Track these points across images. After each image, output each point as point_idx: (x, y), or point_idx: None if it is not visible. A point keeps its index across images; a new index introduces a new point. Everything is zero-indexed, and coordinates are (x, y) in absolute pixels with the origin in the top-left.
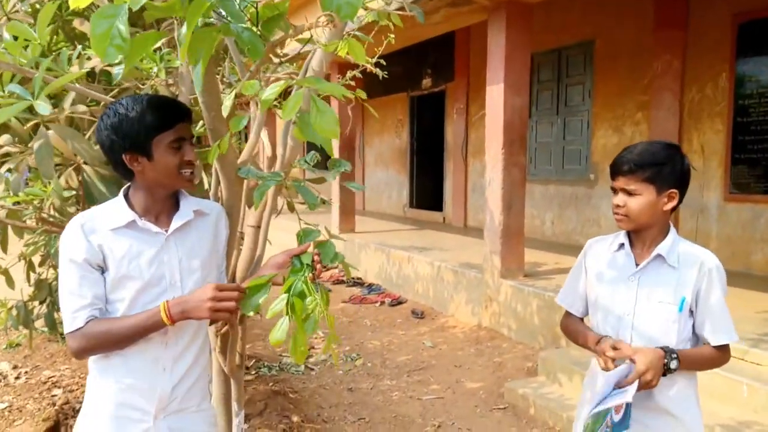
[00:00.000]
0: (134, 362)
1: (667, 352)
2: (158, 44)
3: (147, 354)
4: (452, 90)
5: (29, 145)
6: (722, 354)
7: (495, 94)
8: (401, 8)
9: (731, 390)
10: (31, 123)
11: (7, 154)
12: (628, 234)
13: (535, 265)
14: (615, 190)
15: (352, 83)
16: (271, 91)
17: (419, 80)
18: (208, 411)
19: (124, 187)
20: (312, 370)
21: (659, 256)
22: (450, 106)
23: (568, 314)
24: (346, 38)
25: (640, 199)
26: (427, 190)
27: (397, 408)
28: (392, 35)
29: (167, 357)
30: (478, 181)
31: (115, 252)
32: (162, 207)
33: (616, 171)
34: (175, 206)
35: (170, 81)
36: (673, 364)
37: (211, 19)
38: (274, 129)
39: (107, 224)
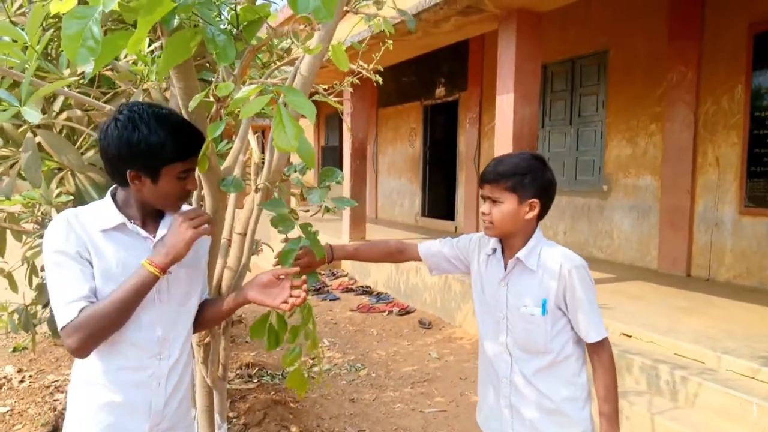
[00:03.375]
0: (129, 377)
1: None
2: (152, 47)
3: (143, 370)
4: (465, 99)
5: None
6: (601, 356)
7: (505, 104)
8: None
9: (741, 410)
10: (25, 126)
11: (5, 157)
12: (501, 241)
13: None
14: (484, 198)
15: (351, 90)
16: (243, 93)
17: (432, 89)
18: (192, 427)
19: (112, 187)
20: (314, 379)
21: (519, 260)
22: (463, 116)
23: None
24: (333, 44)
25: (503, 207)
26: (439, 200)
27: (399, 420)
28: (390, 42)
29: (162, 370)
30: None
31: (101, 254)
32: (148, 214)
33: (482, 180)
34: (160, 213)
35: (164, 85)
36: None
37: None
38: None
39: (96, 224)
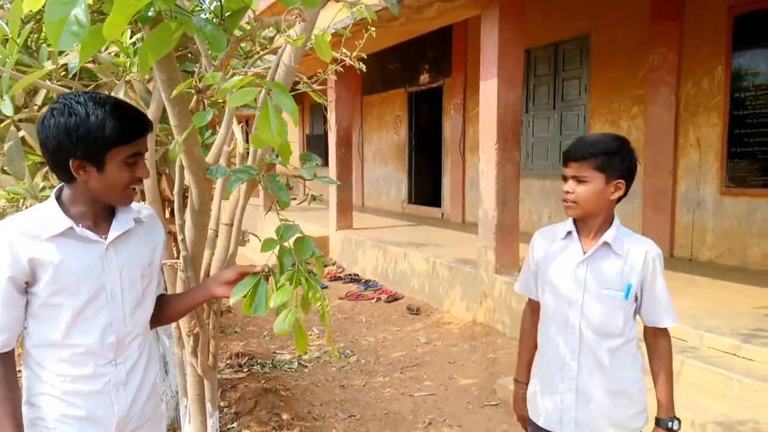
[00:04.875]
0: (85, 389)
1: (663, 426)
2: (134, 39)
3: (97, 378)
4: (449, 85)
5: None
6: (664, 342)
7: (488, 90)
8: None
9: (723, 386)
10: (8, 121)
11: None
12: (575, 223)
13: None
14: (565, 178)
15: (334, 77)
16: (231, 82)
17: (417, 76)
18: (162, 421)
19: (56, 188)
20: (305, 367)
21: (606, 243)
22: (447, 102)
23: (527, 311)
24: (315, 34)
25: (590, 186)
26: (425, 186)
27: (389, 405)
28: (373, 29)
29: (119, 376)
30: (475, 176)
31: (48, 264)
32: (98, 213)
33: (568, 158)
34: (111, 212)
35: (146, 77)
36: (675, 425)
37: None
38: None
39: (40, 233)
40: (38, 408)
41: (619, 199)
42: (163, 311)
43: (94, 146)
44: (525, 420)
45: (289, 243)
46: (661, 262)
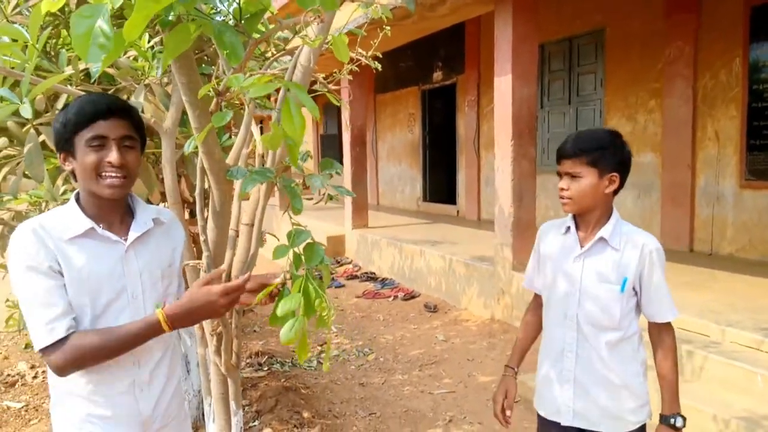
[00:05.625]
0: (109, 390)
1: (665, 423)
2: (152, 42)
3: (121, 379)
4: (463, 82)
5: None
6: (667, 336)
7: (503, 86)
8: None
9: (746, 381)
10: (29, 125)
11: (11, 156)
12: (575, 218)
13: None
14: (560, 175)
15: (350, 78)
16: (250, 81)
17: (430, 74)
18: (187, 421)
19: (75, 191)
20: (322, 364)
21: (602, 238)
22: (461, 99)
23: (530, 305)
24: (332, 35)
25: (584, 182)
26: (440, 184)
27: (409, 402)
28: (388, 27)
29: (142, 376)
30: (490, 173)
31: (71, 265)
32: (113, 213)
33: (561, 155)
34: (129, 213)
35: (165, 80)
36: (678, 422)
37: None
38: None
39: (62, 233)
40: (65, 408)
41: (615, 192)
42: None
43: (64, 133)
44: (498, 403)
45: (299, 249)
46: (660, 256)
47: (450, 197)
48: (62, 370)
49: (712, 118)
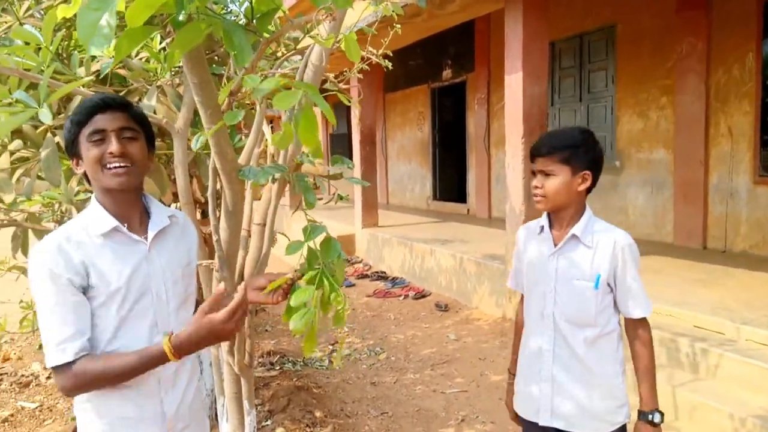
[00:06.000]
0: (136, 390)
1: (643, 419)
2: (163, 44)
3: (147, 380)
4: (473, 80)
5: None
6: (642, 333)
7: (514, 84)
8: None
9: (762, 379)
10: (43, 127)
11: (25, 158)
12: (549, 217)
13: None
14: (534, 173)
15: (360, 77)
16: (267, 84)
17: (439, 72)
18: (206, 421)
19: (93, 195)
20: (332, 363)
21: (574, 236)
22: (471, 97)
23: (519, 305)
24: (344, 34)
25: (556, 179)
26: (450, 182)
27: (421, 402)
28: (398, 25)
29: (167, 375)
30: (501, 171)
31: (99, 265)
32: (132, 211)
33: (535, 154)
34: (145, 213)
35: (177, 81)
36: (656, 417)
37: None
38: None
39: (87, 234)
40: (90, 411)
41: (588, 190)
42: None
43: (70, 137)
44: (511, 408)
45: (315, 244)
46: (632, 252)
47: (460, 196)
48: (68, 392)
49: (725, 113)
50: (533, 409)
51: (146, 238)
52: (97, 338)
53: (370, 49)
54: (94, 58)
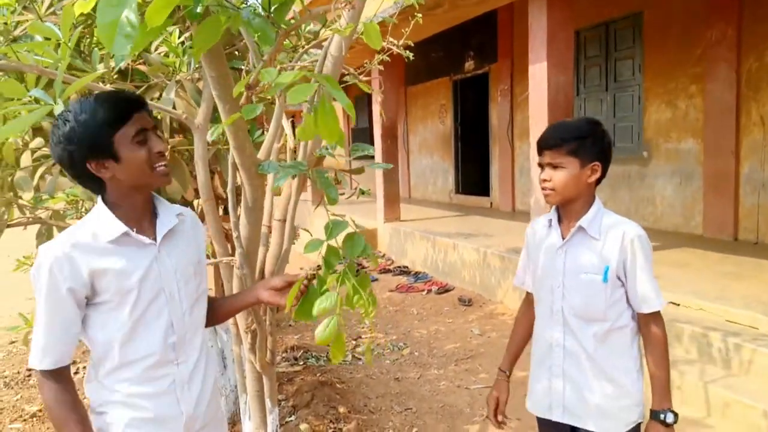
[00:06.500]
0: (151, 391)
1: (655, 418)
2: (182, 38)
3: (162, 379)
4: (496, 71)
5: None
6: (654, 328)
7: (538, 74)
8: None
9: None
10: None
11: (47, 156)
12: (558, 211)
13: None
14: (542, 166)
15: (381, 67)
16: (285, 77)
17: (461, 63)
18: (224, 420)
19: (99, 199)
20: (359, 360)
21: (581, 228)
22: (494, 88)
23: (523, 303)
24: (364, 22)
25: (565, 172)
26: (473, 175)
27: (445, 398)
28: (419, 15)
29: (182, 375)
30: (525, 163)
31: (109, 272)
32: (142, 214)
33: (542, 146)
34: (153, 212)
35: (196, 75)
36: (669, 417)
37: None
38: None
39: (96, 241)
40: (106, 415)
41: (598, 182)
42: (212, 313)
43: (98, 138)
44: (492, 407)
45: (337, 241)
46: (642, 243)
47: (483, 189)
48: (40, 393)
49: (757, 102)
50: (546, 405)
51: (155, 239)
52: (113, 343)
53: (391, 39)
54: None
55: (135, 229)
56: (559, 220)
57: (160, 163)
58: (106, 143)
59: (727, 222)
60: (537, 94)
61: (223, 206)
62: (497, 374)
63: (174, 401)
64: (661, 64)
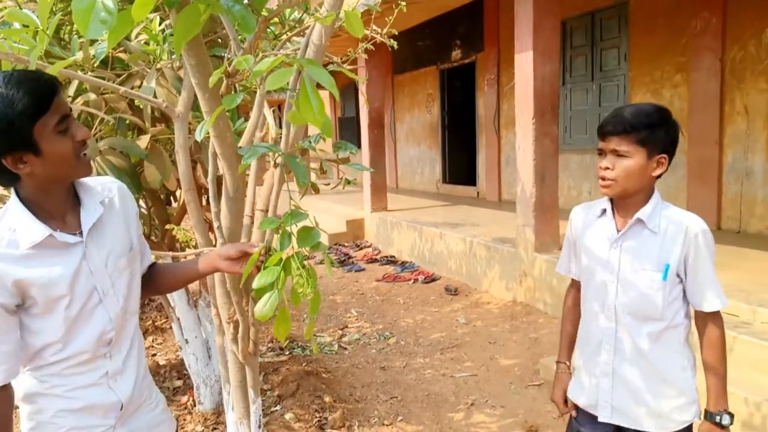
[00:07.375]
0: (80, 384)
1: (710, 420)
2: (162, 26)
3: (92, 372)
4: (482, 61)
5: None
6: (714, 327)
7: (524, 63)
8: None
9: None
10: None
11: None
12: (612, 201)
13: None
14: (602, 153)
15: (365, 56)
16: (263, 64)
17: (448, 52)
18: (160, 398)
19: (12, 194)
20: (345, 349)
21: (639, 221)
22: (480, 78)
23: (569, 292)
24: (345, 11)
25: (631, 162)
26: (460, 165)
27: (430, 386)
28: (403, 3)
29: (116, 366)
30: (511, 153)
31: (35, 283)
32: (66, 206)
33: (607, 132)
34: (76, 200)
35: (177, 64)
36: (725, 419)
37: None
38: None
39: (16, 248)
40: (36, 404)
41: (659, 175)
42: (158, 282)
43: (16, 131)
44: (560, 404)
45: (293, 229)
46: (707, 239)
47: (470, 178)
48: None
49: (741, 91)
50: (593, 403)
51: (80, 233)
52: (48, 342)
53: (375, 27)
54: (94, 41)
55: (59, 228)
56: (613, 212)
57: (82, 152)
58: (26, 136)
59: (711, 211)
60: (523, 84)
61: (205, 196)
62: (557, 367)
63: (106, 390)
64: (647, 53)
